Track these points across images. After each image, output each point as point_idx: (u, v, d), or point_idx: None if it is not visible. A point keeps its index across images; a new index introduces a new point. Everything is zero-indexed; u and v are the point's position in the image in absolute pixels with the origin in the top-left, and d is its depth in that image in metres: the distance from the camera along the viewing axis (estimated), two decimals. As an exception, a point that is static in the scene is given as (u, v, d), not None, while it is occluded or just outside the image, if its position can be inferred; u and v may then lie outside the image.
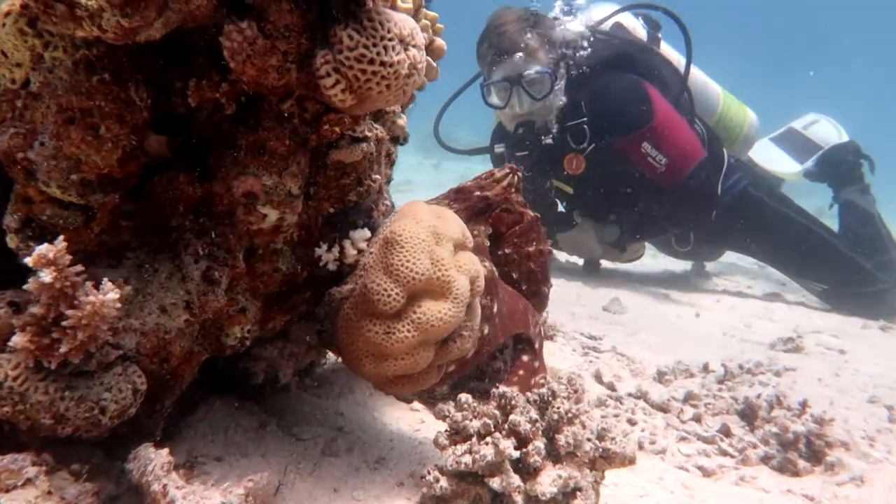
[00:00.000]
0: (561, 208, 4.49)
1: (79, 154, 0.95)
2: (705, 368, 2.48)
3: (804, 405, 1.97)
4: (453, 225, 1.34)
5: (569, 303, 3.51)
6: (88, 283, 0.91)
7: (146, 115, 1.03)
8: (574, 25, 3.99)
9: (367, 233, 1.32)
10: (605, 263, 4.67)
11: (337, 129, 1.20)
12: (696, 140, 3.98)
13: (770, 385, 2.43)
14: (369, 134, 1.26)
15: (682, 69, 4.15)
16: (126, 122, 0.98)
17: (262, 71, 1.05)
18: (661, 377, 2.40)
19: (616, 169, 3.95)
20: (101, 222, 1.02)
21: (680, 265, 5.03)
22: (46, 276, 0.86)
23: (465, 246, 1.37)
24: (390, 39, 1.07)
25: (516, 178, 1.78)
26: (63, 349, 0.89)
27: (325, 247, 1.29)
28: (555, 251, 4.57)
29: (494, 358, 1.78)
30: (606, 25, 4.28)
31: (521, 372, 1.64)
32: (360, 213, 1.35)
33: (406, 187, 10.63)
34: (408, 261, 1.23)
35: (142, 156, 1.06)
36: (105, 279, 0.92)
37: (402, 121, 1.50)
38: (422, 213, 1.29)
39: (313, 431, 1.38)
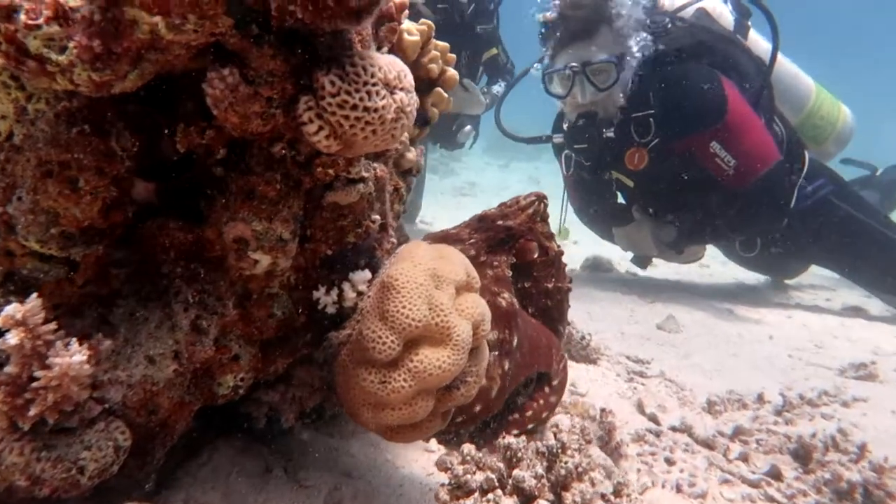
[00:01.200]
0: (621, 200, 4.33)
1: (56, 207, 0.95)
2: (760, 399, 2.32)
3: (863, 449, 1.81)
4: (456, 266, 1.28)
5: (620, 320, 3.38)
6: (59, 343, 0.91)
7: (129, 164, 1.02)
8: (650, 11, 3.79)
9: (367, 274, 1.28)
10: (668, 269, 4.49)
11: (331, 171, 1.17)
12: (771, 142, 3.69)
13: (835, 418, 2.25)
14: (366, 174, 1.22)
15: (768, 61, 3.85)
16: (105, 174, 0.98)
17: (244, 118, 1.03)
18: (710, 407, 2.26)
19: (680, 167, 3.74)
20: (86, 274, 1.03)
21: (751, 274, 4.76)
22: (13, 337, 0.87)
23: (469, 287, 1.31)
24: (374, 84, 1.03)
25: (542, 205, 1.70)
26: (33, 411, 0.89)
27: (323, 290, 1.26)
28: (612, 243, 4.42)
29: (518, 393, 1.71)
30: (689, 11, 4.01)
31: (528, 413, 1.57)
32: (360, 254, 1.31)
33: (470, 190, 10.59)
34: (403, 307, 1.18)
35: (129, 204, 1.06)
36: (73, 340, 0.92)
37: (411, 154, 1.46)
38: (421, 255, 1.24)
39: (319, 477, 1.35)
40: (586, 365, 2.52)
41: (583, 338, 2.55)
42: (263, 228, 1.13)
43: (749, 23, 4.17)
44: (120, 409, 1.04)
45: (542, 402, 1.57)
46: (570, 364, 2.51)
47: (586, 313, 3.46)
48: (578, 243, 5.68)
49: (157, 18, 0.88)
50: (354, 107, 1.02)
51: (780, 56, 3.96)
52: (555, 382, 1.60)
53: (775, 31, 3.80)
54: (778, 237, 3.97)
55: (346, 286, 1.27)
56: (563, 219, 4.25)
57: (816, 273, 4.88)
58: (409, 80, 1.08)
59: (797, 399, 2.31)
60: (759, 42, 4.14)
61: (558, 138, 3.96)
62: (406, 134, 1.43)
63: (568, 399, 1.98)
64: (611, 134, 3.65)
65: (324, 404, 1.39)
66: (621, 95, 3.64)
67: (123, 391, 1.04)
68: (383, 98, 1.04)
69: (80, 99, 0.96)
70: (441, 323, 1.20)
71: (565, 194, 4.37)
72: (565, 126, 3.89)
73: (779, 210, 3.71)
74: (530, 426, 1.58)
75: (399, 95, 1.07)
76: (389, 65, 1.06)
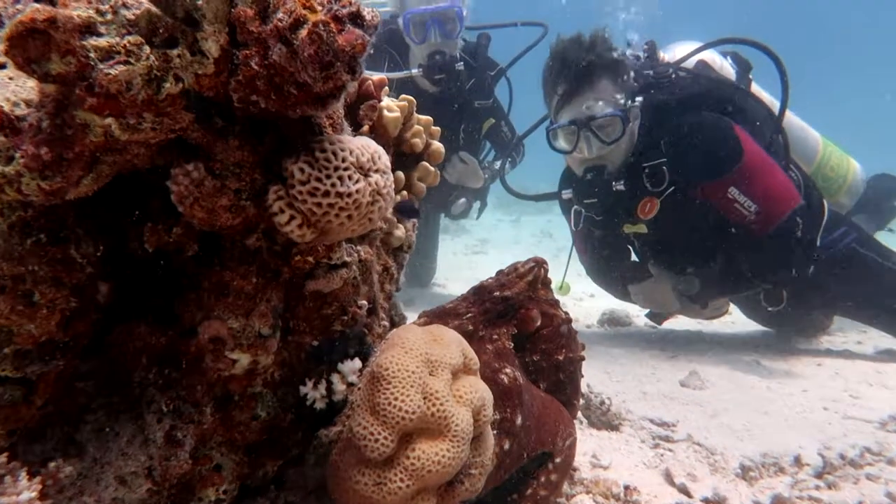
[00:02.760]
0: (634, 256, 4.22)
1: (9, 325, 0.89)
2: (798, 461, 2.17)
3: (914, 515, 1.66)
4: (451, 349, 1.20)
5: (641, 379, 3.24)
6: (8, 478, 0.83)
7: (91, 270, 0.97)
8: (651, 62, 3.77)
9: (357, 364, 1.21)
10: (688, 319, 4.33)
11: (310, 259, 1.11)
12: (792, 185, 3.55)
13: (881, 479, 2.09)
14: (349, 259, 1.16)
15: (775, 111, 3.77)
16: (63, 284, 0.92)
17: (212, 212, 0.98)
18: (744, 473, 2.11)
19: (698, 215, 3.65)
20: (46, 392, 0.96)
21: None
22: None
23: (467, 370, 1.23)
24: (345, 169, 0.98)
25: (543, 271, 1.63)
26: (-17, 552, 0.81)
27: (310, 384, 1.18)
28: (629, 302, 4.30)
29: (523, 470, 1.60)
30: (690, 63, 3.97)
31: (541, 492, 1.45)
32: (349, 342, 1.23)
33: (482, 248, 10.54)
34: (395, 398, 1.10)
35: (93, 311, 1.00)
36: (21, 474, 0.84)
37: (399, 231, 1.40)
38: (412, 340, 1.17)
39: None
40: (608, 432, 2.38)
41: (602, 402, 2.42)
42: (241, 325, 1.06)
43: (751, 76, 4.14)
44: (88, 538, 0.96)
45: (543, 485, 1.46)
46: (591, 432, 2.38)
47: (605, 373, 3.33)
48: (595, 296, 5.56)
49: (110, 120, 0.83)
50: (326, 193, 0.97)
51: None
52: (558, 460, 1.49)
53: (784, 76, 3.74)
54: (805, 285, 3.82)
55: (334, 378, 1.19)
56: (565, 274, 4.15)
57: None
58: (383, 161, 1.03)
59: (838, 459, 2.16)
60: (762, 94, 4.10)
61: (567, 194, 3.88)
62: (390, 213, 1.38)
63: (589, 475, 1.86)
64: (621, 187, 3.57)
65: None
66: (631, 147, 3.58)
67: (92, 517, 0.96)
68: (357, 182, 0.99)
69: (35, 207, 0.91)
70: (438, 413, 1.12)
71: (572, 250, 4.28)
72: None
73: (808, 251, 3.58)
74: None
75: (374, 178, 1.01)
76: (362, 148, 1.01)
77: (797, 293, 3.80)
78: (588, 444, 2.23)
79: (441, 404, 1.12)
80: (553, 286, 4.30)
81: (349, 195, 0.98)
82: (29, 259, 0.89)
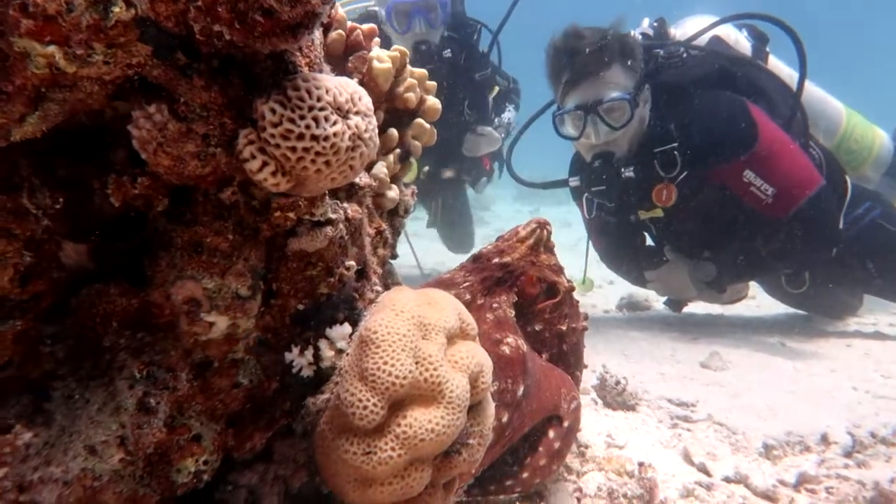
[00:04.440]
0: (649, 241, 4.09)
1: (-42, 281, 0.83)
2: (825, 439, 2.06)
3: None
4: (446, 311, 1.12)
5: (660, 360, 3.13)
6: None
7: (49, 223, 0.90)
8: (661, 42, 3.64)
9: (346, 329, 1.13)
10: (706, 304, 4.20)
11: (291, 215, 1.03)
12: (811, 166, 3.41)
13: (915, 457, 1.98)
14: (333, 216, 1.08)
15: (794, 86, 3.61)
16: (16, 237, 0.86)
17: (178, 159, 0.90)
18: (768, 452, 2.01)
19: (712, 200, 3.50)
20: (5, 355, 0.89)
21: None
22: None
23: (464, 335, 1.14)
24: (322, 109, 0.90)
25: (545, 232, 1.54)
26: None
27: (296, 350, 1.10)
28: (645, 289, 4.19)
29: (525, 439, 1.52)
30: (703, 39, 3.82)
31: (542, 461, 1.37)
32: (337, 307, 1.16)
33: (501, 240, 10.49)
34: (385, 363, 1.02)
35: (55, 270, 0.93)
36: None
37: (393, 192, 1.32)
38: (404, 301, 1.09)
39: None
40: (624, 412, 2.29)
41: (618, 382, 2.33)
42: (216, 286, 0.99)
43: (768, 49, 3.99)
44: (53, 512, 0.89)
45: (544, 457, 1.37)
46: (606, 412, 2.29)
47: (622, 355, 3.23)
48: (614, 283, 5.44)
49: (53, 48, 0.76)
50: (301, 136, 0.89)
51: (806, 82, 3.75)
52: (565, 424, 1.40)
53: (801, 51, 3.58)
54: (827, 269, 3.67)
55: (322, 344, 1.11)
56: (585, 269, 4.03)
57: (874, 298, 4.53)
58: (365, 102, 0.95)
59: (868, 438, 2.05)
60: (780, 67, 3.94)
61: (575, 181, 3.76)
62: (385, 170, 1.30)
63: (602, 453, 1.77)
64: (630, 174, 3.44)
65: (314, 482, 1.21)
66: (640, 131, 3.45)
67: (58, 490, 0.89)
68: (334, 124, 0.91)
69: (-15, 153, 0.84)
70: (431, 378, 1.04)
71: (589, 242, 4.16)
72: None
73: (829, 236, 3.43)
74: (536, 483, 1.38)
75: (354, 120, 0.93)
76: (340, 86, 0.93)
77: (821, 273, 3.66)
78: (603, 423, 2.14)
79: (434, 369, 1.04)
80: (575, 281, 4.21)
81: (326, 138, 0.90)
82: (-23, 208, 0.83)
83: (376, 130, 0.98)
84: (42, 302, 0.92)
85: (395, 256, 1.44)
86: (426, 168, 4.77)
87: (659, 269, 3.88)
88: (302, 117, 0.89)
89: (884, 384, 2.81)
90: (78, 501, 0.90)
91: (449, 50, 4.40)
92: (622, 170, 3.41)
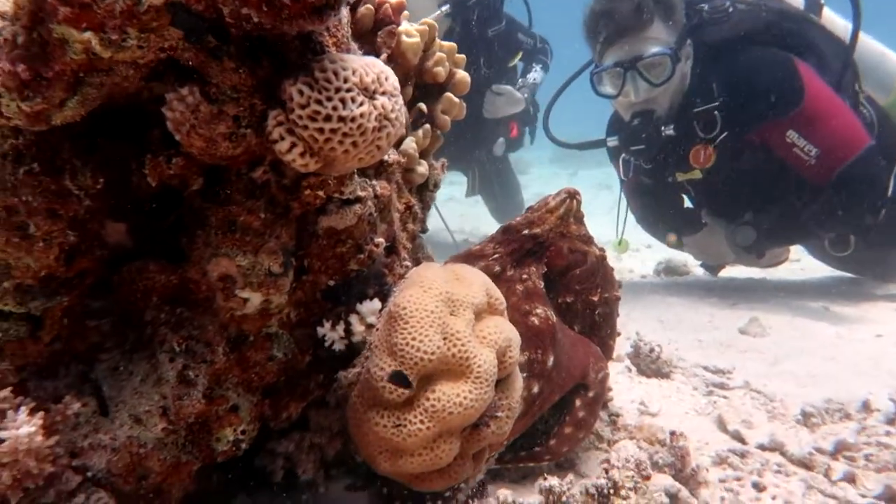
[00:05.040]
0: (688, 203, 4.02)
1: (6, 258, 0.87)
2: (866, 406, 2.03)
3: None
4: (474, 287, 1.13)
5: (697, 327, 3.11)
6: (11, 413, 0.81)
7: (90, 203, 0.93)
8: None
9: (376, 304, 1.15)
10: (747, 268, 4.12)
11: (321, 194, 1.05)
12: (859, 126, 3.26)
13: (959, 425, 1.94)
14: (362, 193, 1.10)
15: (848, 40, 3.44)
16: (60, 217, 0.89)
17: (210, 140, 0.92)
18: (805, 420, 1.99)
19: (754, 161, 3.39)
20: (53, 330, 0.94)
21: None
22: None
23: (492, 310, 1.16)
24: (348, 90, 0.90)
25: (575, 202, 1.53)
26: (-12, 489, 0.80)
27: (328, 325, 1.13)
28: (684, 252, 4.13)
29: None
30: None
31: (568, 430, 1.39)
32: (367, 283, 1.18)
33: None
34: (413, 338, 1.04)
35: (98, 248, 0.97)
36: (22, 409, 0.82)
37: (422, 168, 1.32)
38: (432, 278, 1.10)
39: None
40: (658, 380, 2.29)
41: (651, 350, 2.32)
42: (249, 263, 1.02)
43: (822, 2, 3.80)
44: (104, 478, 0.94)
45: (570, 425, 1.39)
46: (640, 380, 2.29)
47: (658, 321, 3.21)
48: (652, 247, 5.38)
49: (89, 35, 0.78)
50: (328, 117, 0.90)
51: (862, 34, 3.58)
52: (591, 394, 1.41)
53: (856, 6, 3.42)
54: (874, 231, 3.54)
55: (353, 319, 1.14)
56: (623, 230, 3.97)
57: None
58: (391, 82, 0.95)
59: (912, 404, 2.01)
60: (835, 21, 3.76)
61: (613, 141, 3.69)
62: (414, 145, 1.30)
63: (634, 421, 1.78)
64: (671, 132, 3.35)
65: (348, 450, 1.26)
66: (682, 88, 3.36)
67: (107, 457, 0.95)
68: (361, 105, 0.91)
69: (27, 135, 0.87)
70: (459, 353, 1.06)
71: (620, 202, 4.09)
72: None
73: (874, 202, 3.30)
74: (564, 451, 1.41)
75: (380, 100, 0.94)
76: (366, 66, 0.93)
77: (867, 235, 3.54)
78: (636, 391, 2.15)
79: (462, 345, 1.06)
80: (609, 244, 4.13)
81: (353, 119, 0.91)
82: (22, 189, 0.86)
83: (403, 109, 0.98)
84: (87, 279, 0.96)
85: (425, 230, 1.45)
86: None
87: (696, 235, 3.81)
88: (329, 99, 0.90)
89: (930, 351, 2.75)
90: (126, 467, 0.96)
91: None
92: (662, 128, 3.33)
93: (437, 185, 1.41)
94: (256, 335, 1.08)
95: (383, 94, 0.94)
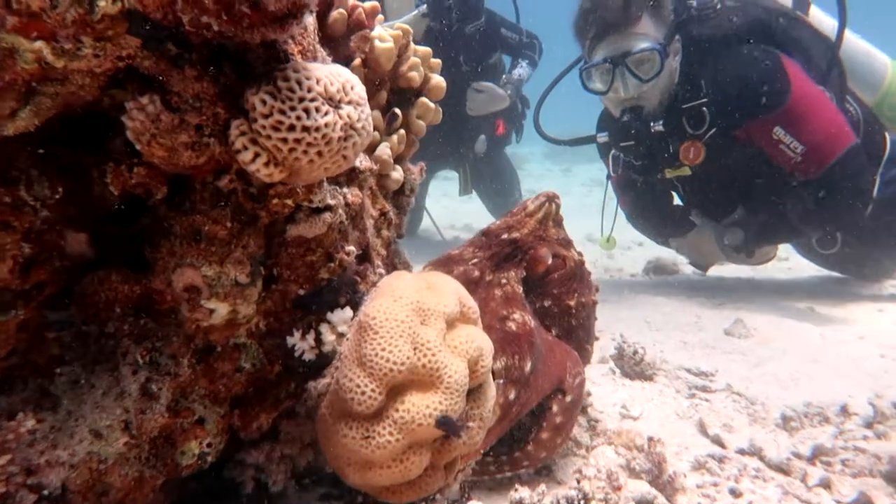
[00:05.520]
0: (677, 200, 4.02)
1: (-41, 273, 0.85)
2: (844, 410, 2.03)
3: (971, 470, 1.53)
4: (446, 296, 1.12)
5: (683, 328, 3.11)
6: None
7: (48, 213, 0.91)
8: None
9: (348, 313, 1.14)
10: (738, 266, 4.12)
11: (289, 202, 1.03)
12: (845, 124, 3.28)
13: (938, 428, 1.94)
14: (332, 202, 1.08)
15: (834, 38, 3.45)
16: (14, 229, 0.87)
17: (172, 150, 0.91)
18: (785, 423, 1.99)
19: (741, 158, 3.40)
20: (9, 343, 0.92)
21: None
22: None
23: (465, 319, 1.15)
24: (313, 100, 0.89)
25: (554, 206, 1.52)
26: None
27: (298, 334, 1.12)
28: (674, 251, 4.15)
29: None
30: None
31: (545, 435, 1.38)
32: (338, 291, 1.16)
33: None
34: (383, 349, 1.03)
35: (56, 259, 0.95)
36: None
37: (397, 173, 1.31)
38: (403, 287, 1.09)
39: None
40: (641, 382, 2.29)
41: (635, 352, 2.32)
42: (215, 273, 1.00)
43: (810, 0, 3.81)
44: (60, 496, 0.93)
45: (547, 430, 1.38)
46: (624, 382, 2.29)
47: (644, 322, 3.21)
48: (644, 245, 5.38)
49: (40, 44, 0.76)
50: (292, 127, 0.88)
51: (849, 33, 3.58)
52: (568, 399, 1.40)
53: (842, 3, 3.42)
54: (861, 229, 3.56)
55: (323, 328, 1.13)
56: (612, 226, 3.98)
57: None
58: (357, 91, 0.94)
59: (890, 408, 2.01)
60: (822, 19, 3.76)
61: (603, 137, 3.69)
62: (389, 151, 1.29)
63: (614, 425, 1.77)
64: (660, 127, 3.35)
65: (320, 461, 1.25)
66: (671, 85, 3.35)
67: (65, 473, 0.93)
68: (326, 114, 0.90)
69: (-18, 147, 0.85)
70: (429, 364, 1.04)
71: (606, 199, 4.09)
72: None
73: (859, 200, 3.31)
74: (542, 456, 1.40)
75: (346, 110, 0.92)
76: (331, 75, 0.91)
77: (854, 233, 3.56)
78: (619, 394, 2.14)
79: (433, 355, 1.05)
80: (597, 240, 4.13)
81: (317, 129, 0.89)
82: (-25, 203, 0.84)
83: (370, 119, 0.96)
84: (45, 290, 0.94)
85: (401, 236, 1.44)
86: None
87: (686, 237, 3.83)
88: (292, 108, 0.88)
89: (914, 352, 2.75)
90: (84, 483, 0.94)
91: None
92: (651, 123, 3.33)
93: (413, 190, 1.40)
94: (224, 346, 1.07)
95: (349, 103, 0.92)
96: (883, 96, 3.84)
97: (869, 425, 1.96)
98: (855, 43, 3.77)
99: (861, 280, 4.03)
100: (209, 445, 1.05)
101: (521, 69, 5.04)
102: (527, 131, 5.49)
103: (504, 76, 4.99)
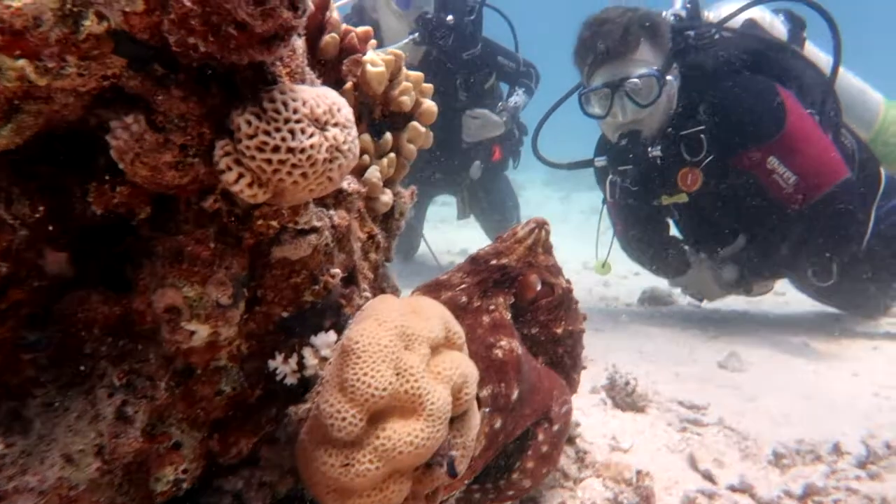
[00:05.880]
0: (674, 229, 4.03)
1: (-65, 291, 0.84)
2: (837, 449, 2.01)
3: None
4: (431, 321, 1.11)
5: (676, 359, 3.08)
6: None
7: (27, 232, 0.90)
8: (693, 23, 3.55)
9: (331, 337, 1.12)
10: (736, 297, 4.10)
11: (274, 223, 1.02)
12: (839, 158, 3.31)
13: (931, 468, 1.92)
14: (318, 223, 1.07)
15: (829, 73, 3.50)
16: (-8, 248, 0.86)
17: (155, 169, 0.90)
18: (777, 460, 1.96)
19: (736, 186, 3.42)
20: (-18, 363, 0.90)
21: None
22: None
23: (450, 344, 1.13)
24: (298, 121, 0.88)
25: (543, 233, 1.52)
26: None
27: (280, 358, 1.10)
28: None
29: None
30: (737, 22, 3.72)
31: (530, 464, 1.36)
32: (323, 314, 1.15)
33: (528, 228, 10.37)
34: (365, 374, 1.01)
35: (35, 278, 0.94)
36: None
37: (386, 197, 1.30)
38: (387, 310, 1.08)
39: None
40: (633, 414, 2.26)
41: (627, 383, 2.30)
42: (196, 294, 0.99)
43: (805, 34, 3.86)
44: (30, 520, 0.90)
45: (532, 459, 1.36)
46: (615, 413, 2.26)
47: (637, 353, 3.19)
48: (640, 274, 5.37)
49: (23, 62, 0.76)
50: (276, 148, 0.88)
51: (843, 70, 3.63)
52: (554, 428, 1.38)
53: (837, 36, 3.47)
54: (857, 263, 3.56)
55: (306, 352, 1.11)
56: (609, 252, 3.98)
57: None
58: (344, 114, 0.94)
59: (883, 448, 1.99)
60: (817, 54, 3.82)
61: (601, 161, 3.70)
62: (378, 174, 1.28)
63: (603, 457, 1.75)
64: (657, 152, 3.37)
65: (301, 488, 1.22)
66: (668, 111, 3.38)
67: (34, 500, 0.90)
68: (311, 136, 0.89)
69: (-38, 164, 0.85)
70: (411, 390, 1.03)
71: (600, 224, 4.11)
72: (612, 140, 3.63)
73: (849, 233, 3.33)
74: (527, 486, 1.37)
75: (332, 132, 0.92)
76: (318, 98, 0.91)
77: (850, 266, 3.56)
78: (609, 425, 2.12)
79: (416, 381, 1.03)
80: (592, 266, 4.15)
81: (302, 150, 0.89)
82: (-46, 219, 0.83)
83: (356, 141, 0.96)
84: (21, 310, 0.93)
85: (389, 259, 1.43)
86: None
87: (684, 277, 3.85)
88: (277, 129, 0.88)
89: (907, 391, 2.73)
90: (55, 509, 0.91)
91: (449, 16, 4.35)
92: (649, 148, 3.35)
93: (402, 214, 1.39)
94: (204, 368, 1.05)
95: (335, 125, 0.92)
96: (876, 133, 3.88)
97: (862, 465, 1.94)
98: (849, 80, 3.82)
99: (856, 315, 4.02)
100: (185, 471, 1.03)
101: (518, 97, 5.09)
102: (525, 158, 5.51)
103: (500, 103, 5.04)
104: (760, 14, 3.79)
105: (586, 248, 5.04)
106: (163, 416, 1.02)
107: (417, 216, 5.49)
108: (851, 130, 3.68)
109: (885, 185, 3.57)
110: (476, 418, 1.15)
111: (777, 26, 3.81)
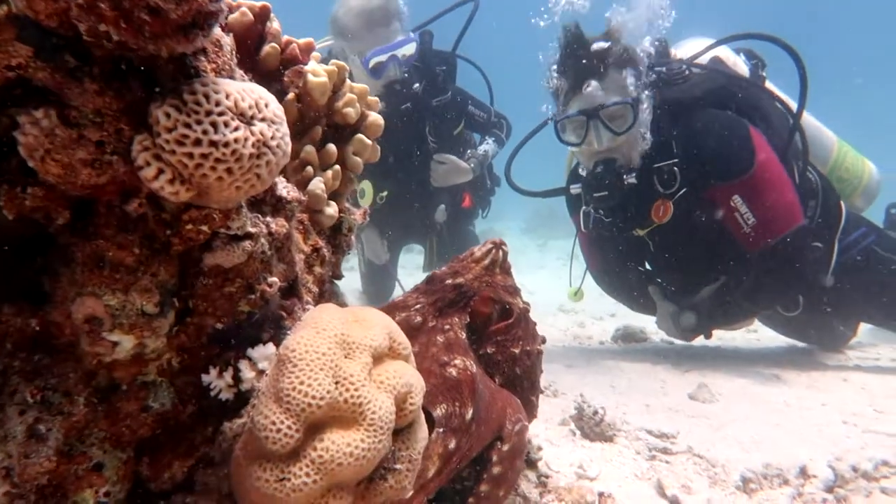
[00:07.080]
0: (648, 265, 4.04)
1: None
2: (804, 473, 1.96)
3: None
4: (374, 329, 1.06)
5: (648, 392, 3.03)
6: None
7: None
8: (663, 60, 3.62)
9: (270, 349, 1.07)
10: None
11: (204, 228, 0.98)
12: (798, 205, 3.37)
13: (898, 492, 1.87)
14: (253, 230, 1.03)
15: (793, 109, 3.59)
16: None
17: (68, 167, 0.86)
18: (745, 485, 1.91)
19: (701, 221, 3.47)
20: None
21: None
22: None
23: (394, 354, 1.08)
24: (221, 114, 0.85)
25: (501, 253, 1.49)
26: None
27: (214, 372, 1.04)
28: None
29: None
30: (704, 59, 3.81)
31: (484, 487, 1.29)
32: (261, 326, 1.10)
33: (503, 275, 10.36)
34: (301, 383, 0.96)
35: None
36: None
37: (331, 209, 1.27)
38: (327, 319, 1.03)
39: None
40: (601, 443, 2.20)
41: (595, 413, 2.24)
42: (119, 302, 0.93)
43: (764, 73, 3.97)
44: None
45: (487, 483, 1.30)
46: (583, 443, 2.20)
47: (609, 386, 3.13)
48: (616, 315, 5.37)
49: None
50: (197, 142, 0.84)
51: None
52: (506, 447, 1.32)
53: (803, 72, 3.54)
54: (821, 293, 3.60)
55: (242, 365, 1.05)
56: (583, 280, 3.99)
57: (879, 331, 4.37)
58: (272, 109, 0.91)
59: (850, 472, 1.94)
60: (776, 93, 3.93)
61: (576, 189, 3.70)
62: (322, 186, 1.25)
63: (563, 482, 1.68)
64: (633, 180, 3.39)
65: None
66: (642, 140, 3.42)
67: (-68, 524, 0.83)
68: (235, 130, 0.86)
69: None
70: (351, 399, 0.97)
71: (573, 252, 4.12)
72: (583, 172, 3.64)
73: (795, 279, 3.39)
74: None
75: (259, 126, 0.89)
76: (243, 91, 0.89)
77: (814, 298, 3.58)
78: (577, 454, 2.05)
79: (356, 389, 0.98)
80: (570, 311, 4.14)
81: (226, 144, 0.85)
82: None
83: (287, 138, 0.93)
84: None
85: (338, 277, 1.39)
86: (384, 193, 4.71)
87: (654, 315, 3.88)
88: (199, 122, 0.85)
89: (876, 418, 2.70)
90: (-44, 536, 0.84)
91: (419, 84, 4.44)
92: (625, 176, 3.37)
93: (351, 229, 1.36)
94: (130, 384, 0.99)
95: (262, 120, 0.89)
96: (830, 170, 3.97)
97: (829, 488, 1.90)
98: (806, 118, 3.92)
99: (820, 348, 4.04)
100: (107, 494, 0.95)
101: (488, 145, 5.15)
102: (503, 206, 5.52)
103: (469, 151, 5.08)
104: (725, 53, 3.89)
105: (561, 293, 5.03)
106: (82, 435, 0.95)
107: (392, 261, 5.45)
108: (814, 166, 3.76)
109: (845, 220, 3.63)
110: (423, 430, 1.09)
111: (740, 65, 3.92)
